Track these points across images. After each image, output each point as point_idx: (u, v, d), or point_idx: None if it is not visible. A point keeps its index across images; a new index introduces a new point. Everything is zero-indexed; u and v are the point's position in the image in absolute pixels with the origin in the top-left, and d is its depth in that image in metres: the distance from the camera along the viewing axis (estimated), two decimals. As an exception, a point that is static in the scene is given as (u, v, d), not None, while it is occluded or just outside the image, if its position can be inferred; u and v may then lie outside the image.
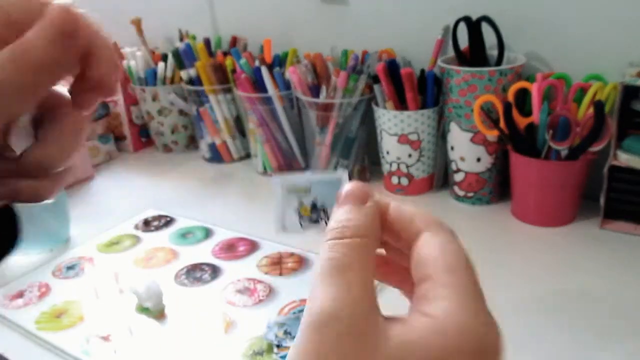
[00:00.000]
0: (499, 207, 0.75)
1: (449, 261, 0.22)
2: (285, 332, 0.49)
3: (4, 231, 0.26)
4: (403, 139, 0.76)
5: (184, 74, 0.93)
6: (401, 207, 0.25)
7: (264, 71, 0.82)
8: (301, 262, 0.63)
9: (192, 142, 1.06)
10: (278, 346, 0.48)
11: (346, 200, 0.24)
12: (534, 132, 0.66)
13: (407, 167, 0.78)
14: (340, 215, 0.23)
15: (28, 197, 0.24)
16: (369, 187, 0.24)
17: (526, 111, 0.68)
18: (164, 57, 0.98)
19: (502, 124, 0.66)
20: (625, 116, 0.65)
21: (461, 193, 0.76)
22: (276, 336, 0.49)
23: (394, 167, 0.79)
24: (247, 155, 0.98)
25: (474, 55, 0.72)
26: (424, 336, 0.20)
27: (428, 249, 0.23)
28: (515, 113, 0.66)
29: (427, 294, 0.21)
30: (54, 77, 0.22)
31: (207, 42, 0.97)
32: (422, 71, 0.75)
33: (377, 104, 0.77)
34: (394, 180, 0.80)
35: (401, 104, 0.75)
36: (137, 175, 0.96)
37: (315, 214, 0.28)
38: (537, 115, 0.65)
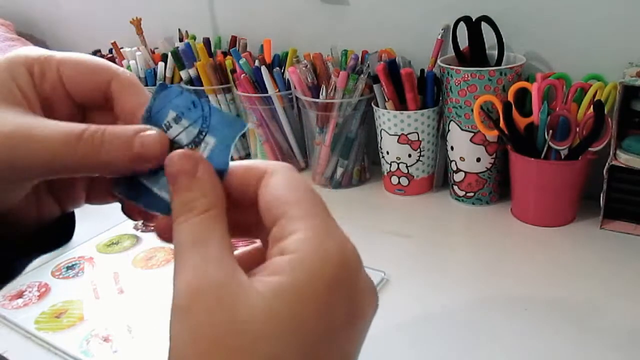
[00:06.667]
0: (499, 207, 0.75)
1: (293, 195, 0.22)
2: None
3: (60, 228, 0.28)
4: (403, 139, 0.76)
5: (183, 74, 0.93)
6: (233, 165, 0.24)
7: (264, 71, 0.82)
8: (301, 262, 0.63)
9: (192, 142, 1.06)
10: None
11: (179, 176, 0.23)
12: (533, 132, 0.66)
13: (407, 167, 0.78)
14: (181, 196, 0.22)
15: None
16: (191, 152, 0.24)
17: (526, 111, 0.68)
18: (164, 57, 0.98)
19: (502, 124, 0.66)
20: (625, 116, 0.65)
21: (461, 193, 0.76)
22: None
23: (394, 167, 0.79)
24: (247, 155, 0.98)
25: (473, 55, 0.72)
26: (287, 276, 0.20)
27: (270, 190, 0.23)
28: (515, 113, 0.66)
29: (282, 233, 0.21)
30: None
31: (207, 42, 0.96)
32: (422, 71, 0.75)
33: (377, 104, 0.77)
34: (394, 180, 0.80)
35: (401, 104, 0.75)
36: (137, 175, 0.95)
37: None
38: (537, 115, 0.65)
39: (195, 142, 0.25)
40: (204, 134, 0.25)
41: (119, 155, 0.23)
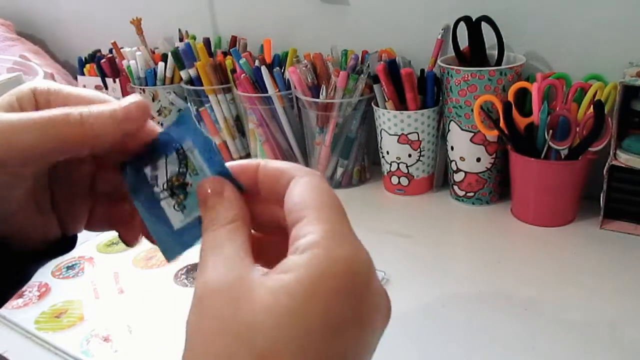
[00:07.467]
0: (499, 207, 0.75)
1: (313, 201, 0.24)
2: None
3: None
4: (403, 139, 0.76)
5: (183, 74, 0.93)
6: (269, 164, 0.27)
7: (264, 71, 0.82)
8: (301, 262, 0.63)
9: (192, 142, 1.06)
10: None
11: (210, 197, 0.25)
12: (534, 132, 0.66)
13: (407, 167, 0.78)
14: (210, 213, 0.25)
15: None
16: (219, 178, 0.26)
17: (526, 111, 0.68)
18: (164, 57, 0.98)
19: (502, 124, 0.66)
20: (625, 116, 0.65)
21: (461, 193, 0.76)
22: None
23: (394, 167, 0.79)
24: (247, 155, 0.98)
25: (473, 55, 0.72)
26: (294, 273, 0.21)
27: (295, 193, 0.24)
28: (515, 113, 0.66)
29: (298, 234, 0.23)
30: None
31: (207, 42, 0.97)
32: (422, 71, 0.75)
33: (377, 104, 0.77)
34: (394, 180, 0.80)
35: (401, 104, 0.75)
36: (137, 175, 0.95)
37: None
38: (537, 115, 0.65)
39: (180, 160, 0.27)
40: (181, 149, 0.27)
41: (107, 124, 0.26)
